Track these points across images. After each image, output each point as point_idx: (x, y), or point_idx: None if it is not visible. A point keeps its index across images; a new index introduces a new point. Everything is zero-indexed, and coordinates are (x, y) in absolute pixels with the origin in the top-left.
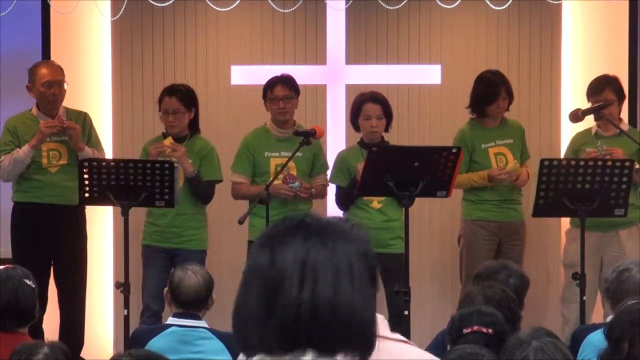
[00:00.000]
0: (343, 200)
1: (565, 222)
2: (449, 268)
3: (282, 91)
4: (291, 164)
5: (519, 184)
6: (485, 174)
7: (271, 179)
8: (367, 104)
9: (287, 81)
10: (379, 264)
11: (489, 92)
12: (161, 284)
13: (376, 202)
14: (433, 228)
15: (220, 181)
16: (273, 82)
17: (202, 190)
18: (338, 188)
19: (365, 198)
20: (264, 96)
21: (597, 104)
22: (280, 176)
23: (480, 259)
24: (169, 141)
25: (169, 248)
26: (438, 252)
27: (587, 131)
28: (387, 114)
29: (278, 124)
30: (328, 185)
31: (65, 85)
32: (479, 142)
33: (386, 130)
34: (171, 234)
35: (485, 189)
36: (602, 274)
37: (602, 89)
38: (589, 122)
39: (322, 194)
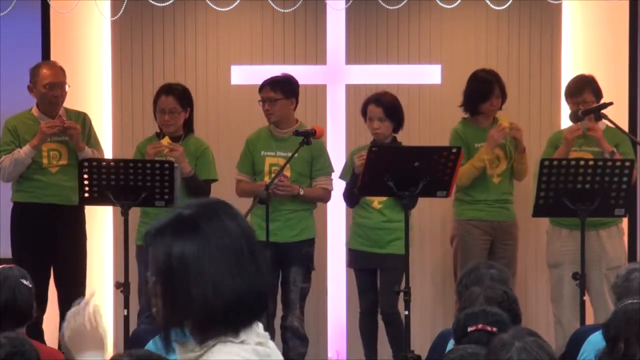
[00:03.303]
0: (349, 197)
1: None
2: (449, 268)
3: (264, 94)
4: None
5: (518, 134)
6: (484, 147)
7: (266, 178)
8: (370, 106)
9: (274, 83)
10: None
11: (483, 89)
12: None
13: (377, 202)
14: (433, 228)
15: (216, 180)
16: (262, 84)
17: (199, 190)
18: (346, 184)
19: (367, 198)
20: None
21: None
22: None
23: (475, 259)
24: (166, 141)
25: None
26: (438, 252)
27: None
28: (392, 116)
29: (276, 124)
30: (331, 189)
31: (67, 87)
32: (472, 141)
33: (396, 131)
34: None
35: (476, 189)
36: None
37: (581, 90)
38: (566, 122)
39: (323, 198)
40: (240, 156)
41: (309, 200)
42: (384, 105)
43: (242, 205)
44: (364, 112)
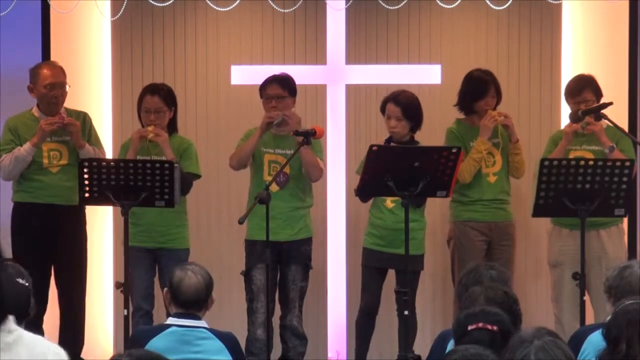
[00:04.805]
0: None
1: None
2: (449, 268)
3: (273, 90)
4: (283, 160)
5: (508, 122)
6: (478, 140)
7: (265, 175)
8: (389, 104)
9: (281, 80)
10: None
11: (479, 88)
12: (149, 284)
13: (389, 202)
14: (433, 228)
15: (199, 176)
16: (267, 81)
17: (182, 181)
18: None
19: (381, 197)
20: (260, 94)
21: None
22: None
23: (472, 260)
24: (152, 127)
25: (153, 248)
26: (438, 252)
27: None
28: (410, 116)
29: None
30: (324, 169)
31: (67, 87)
32: (468, 140)
33: (414, 131)
34: (155, 233)
35: (472, 188)
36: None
37: (581, 89)
38: (566, 122)
39: (316, 168)
40: (239, 141)
41: (306, 160)
42: (402, 105)
43: (239, 205)
44: (383, 110)
